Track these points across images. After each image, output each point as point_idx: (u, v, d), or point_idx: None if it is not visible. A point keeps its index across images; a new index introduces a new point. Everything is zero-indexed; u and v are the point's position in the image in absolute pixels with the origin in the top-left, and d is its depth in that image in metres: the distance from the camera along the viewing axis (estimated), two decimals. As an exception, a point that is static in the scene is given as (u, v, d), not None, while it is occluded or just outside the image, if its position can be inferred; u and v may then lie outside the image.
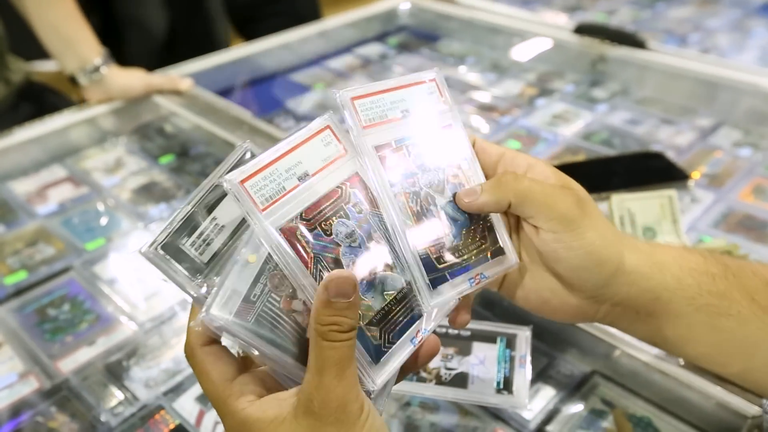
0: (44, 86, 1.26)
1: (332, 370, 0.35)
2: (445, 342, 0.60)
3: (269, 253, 0.38)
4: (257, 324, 0.37)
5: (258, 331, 0.37)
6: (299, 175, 0.39)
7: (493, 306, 0.73)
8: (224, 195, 0.40)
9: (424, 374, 0.57)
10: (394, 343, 0.41)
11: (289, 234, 0.38)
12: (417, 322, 0.42)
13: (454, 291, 0.43)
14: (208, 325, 0.36)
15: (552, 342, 0.68)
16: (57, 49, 1.08)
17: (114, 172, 1.01)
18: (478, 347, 0.59)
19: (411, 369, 0.44)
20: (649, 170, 0.93)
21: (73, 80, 1.10)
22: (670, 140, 1.06)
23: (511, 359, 0.58)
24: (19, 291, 0.78)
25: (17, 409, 0.64)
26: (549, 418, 0.62)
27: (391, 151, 0.43)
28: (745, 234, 0.85)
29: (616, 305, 0.48)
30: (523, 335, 0.59)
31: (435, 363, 0.58)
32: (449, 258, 0.43)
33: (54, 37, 1.07)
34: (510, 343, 0.59)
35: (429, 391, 0.56)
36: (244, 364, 0.40)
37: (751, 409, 0.56)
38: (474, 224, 0.45)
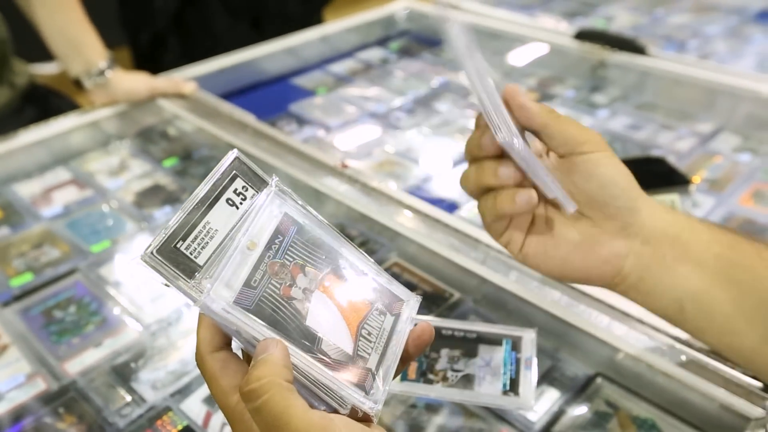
0: (48, 89, 1.27)
1: None
2: (452, 344, 0.60)
3: (269, 240, 0.40)
4: (258, 308, 0.38)
5: (259, 314, 0.38)
6: None
7: (498, 308, 0.73)
8: (216, 201, 0.40)
9: (431, 376, 0.58)
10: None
11: None
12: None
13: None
14: (208, 307, 0.37)
15: (556, 344, 0.69)
16: (63, 52, 1.08)
17: (118, 175, 1.01)
18: (484, 349, 0.59)
19: (406, 360, 0.45)
20: (651, 175, 0.94)
21: (78, 83, 1.10)
22: (671, 145, 1.07)
23: (517, 361, 0.58)
24: (26, 293, 0.79)
25: (25, 411, 0.64)
26: (553, 419, 0.62)
27: None
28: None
29: (646, 243, 0.49)
30: (529, 337, 0.60)
31: (442, 365, 0.58)
32: None
33: (60, 41, 1.08)
34: (515, 345, 0.59)
35: (436, 392, 0.57)
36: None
37: (755, 411, 0.57)
38: None
